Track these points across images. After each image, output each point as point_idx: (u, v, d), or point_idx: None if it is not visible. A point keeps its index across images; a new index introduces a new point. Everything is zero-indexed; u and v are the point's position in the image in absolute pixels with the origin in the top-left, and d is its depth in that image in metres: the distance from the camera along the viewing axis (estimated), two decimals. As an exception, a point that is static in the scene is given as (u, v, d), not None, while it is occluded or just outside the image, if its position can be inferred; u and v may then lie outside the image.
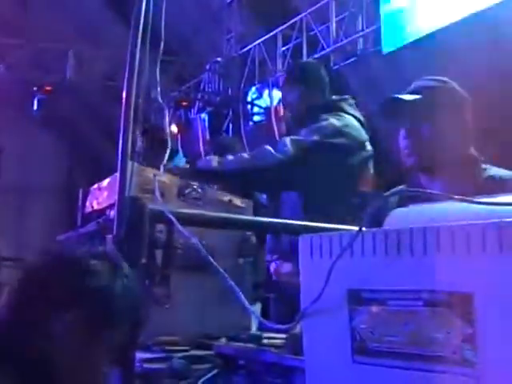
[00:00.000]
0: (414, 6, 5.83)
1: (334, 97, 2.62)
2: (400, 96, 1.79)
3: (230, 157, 2.32)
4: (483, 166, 1.77)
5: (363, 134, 2.50)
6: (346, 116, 2.49)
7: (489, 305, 0.70)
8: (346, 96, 2.64)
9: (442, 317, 0.72)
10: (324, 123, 2.40)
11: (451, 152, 1.74)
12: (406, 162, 1.79)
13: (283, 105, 2.64)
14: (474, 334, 0.70)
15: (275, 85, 7.27)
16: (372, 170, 2.54)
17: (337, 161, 2.34)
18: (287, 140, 2.30)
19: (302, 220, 1.75)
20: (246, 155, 2.31)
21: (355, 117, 2.53)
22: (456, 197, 0.78)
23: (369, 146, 2.52)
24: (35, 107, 7.65)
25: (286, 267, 2.43)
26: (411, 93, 1.81)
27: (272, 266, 2.53)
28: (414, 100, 1.75)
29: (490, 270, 0.70)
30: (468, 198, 0.77)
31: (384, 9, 6.16)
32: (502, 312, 0.69)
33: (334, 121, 2.42)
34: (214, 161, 2.28)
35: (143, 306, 1.14)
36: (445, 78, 1.87)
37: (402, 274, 0.76)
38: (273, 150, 2.27)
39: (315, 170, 2.28)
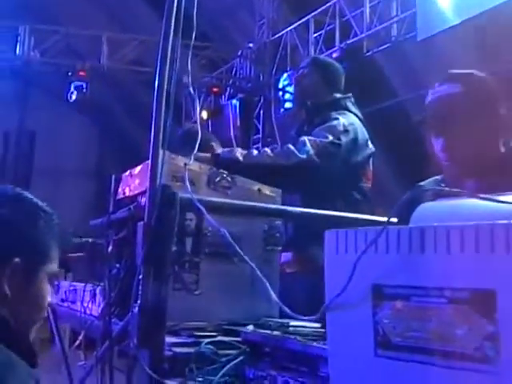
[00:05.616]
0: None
1: (338, 95, 2.72)
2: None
3: (255, 151, 2.43)
4: None
5: (366, 132, 2.61)
6: (350, 114, 2.60)
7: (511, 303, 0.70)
8: (349, 94, 2.74)
9: (464, 314, 0.73)
10: (335, 122, 2.51)
11: (490, 155, 1.71)
12: (445, 169, 1.78)
13: (295, 87, 2.77)
14: (496, 332, 0.71)
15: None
16: (371, 167, 2.66)
17: (346, 158, 2.47)
18: (306, 140, 2.40)
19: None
20: (269, 152, 2.40)
21: (357, 115, 2.64)
22: (482, 196, 0.79)
23: (371, 144, 2.62)
24: (69, 92, 7.75)
25: (285, 257, 2.49)
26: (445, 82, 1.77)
27: None
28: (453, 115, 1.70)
29: (514, 268, 0.70)
30: (493, 198, 0.77)
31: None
32: (524, 311, 0.69)
33: (342, 120, 2.52)
34: (238, 153, 2.37)
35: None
36: (472, 72, 1.81)
37: (426, 271, 0.77)
38: (295, 150, 2.36)
39: (328, 168, 2.39)
